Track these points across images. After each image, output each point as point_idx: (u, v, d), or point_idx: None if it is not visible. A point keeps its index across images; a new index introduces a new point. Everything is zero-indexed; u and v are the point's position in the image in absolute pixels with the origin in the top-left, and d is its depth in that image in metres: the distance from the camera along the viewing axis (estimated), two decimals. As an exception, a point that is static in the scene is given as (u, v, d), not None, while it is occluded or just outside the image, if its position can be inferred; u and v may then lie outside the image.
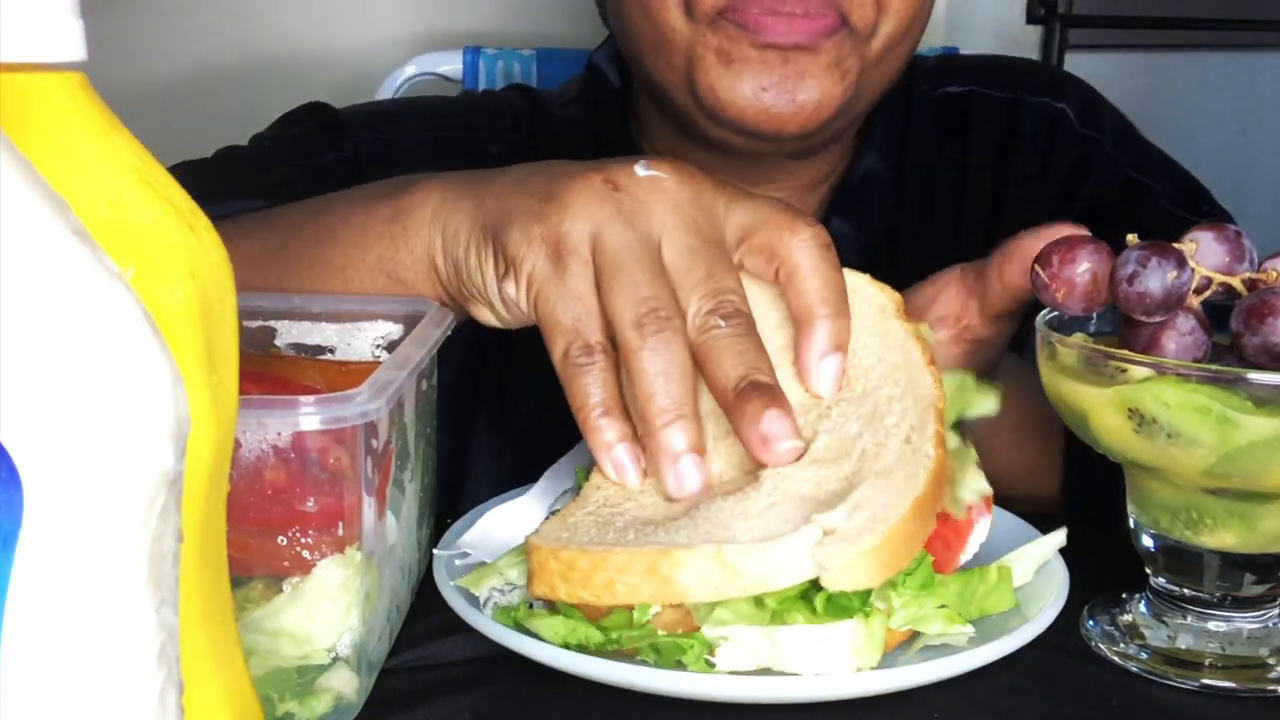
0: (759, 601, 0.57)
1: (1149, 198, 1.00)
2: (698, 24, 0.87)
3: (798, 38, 0.85)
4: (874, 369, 0.66)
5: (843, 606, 0.57)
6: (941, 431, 0.62)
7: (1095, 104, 1.06)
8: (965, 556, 0.63)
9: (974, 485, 0.63)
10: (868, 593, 0.58)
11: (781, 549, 0.56)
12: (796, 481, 0.60)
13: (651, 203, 0.66)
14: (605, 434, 0.63)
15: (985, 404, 0.66)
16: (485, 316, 0.72)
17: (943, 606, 0.60)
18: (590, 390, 0.63)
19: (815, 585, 0.57)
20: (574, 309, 0.64)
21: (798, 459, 0.61)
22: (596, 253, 0.65)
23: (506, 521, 0.71)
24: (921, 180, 1.03)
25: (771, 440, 0.61)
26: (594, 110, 1.03)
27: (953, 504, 0.62)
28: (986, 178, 1.02)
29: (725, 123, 0.89)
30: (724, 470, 0.64)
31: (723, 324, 0.63)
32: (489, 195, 0.70)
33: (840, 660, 0.57)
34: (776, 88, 0.85)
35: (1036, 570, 0.66)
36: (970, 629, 0.61)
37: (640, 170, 0.67)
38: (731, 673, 0.59)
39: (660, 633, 0.60)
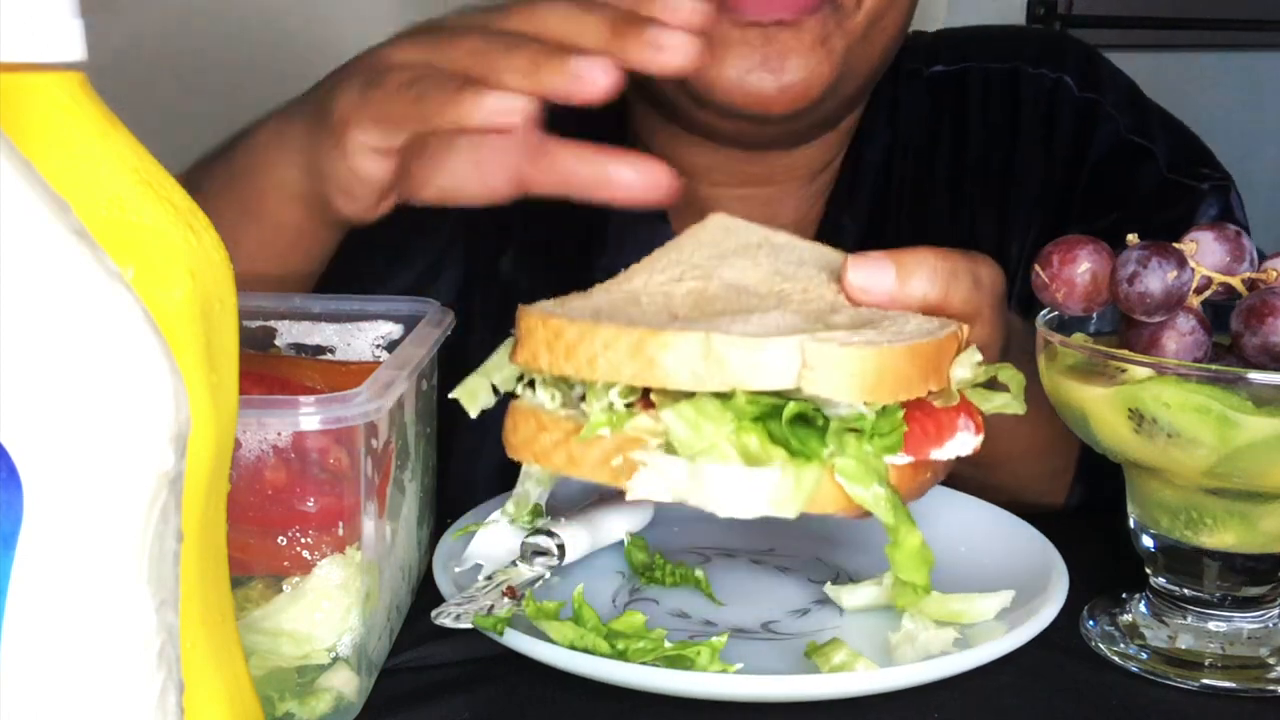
0: (726, 404, 0.55)
1: (1148, 161, 0.98)
2: None
3: (778, 13, 0.83)
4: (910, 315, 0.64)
5: (800, 436, 0.55)
6: (961, 337, 0.61)
7: (1095, 65, 1.03)
8: (939, 454, 0.60)
9: (969, 362, 0.61)
10: (823, 435, 0.55)
11: (771, 346, 0.55)
12: (806, 319, 0.59)
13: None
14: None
15: (999, 400, 0.63)
16: (345, 204, 0.75)
17: (879, 488, 0.56)
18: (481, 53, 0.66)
19: (789, 402, 0.55)
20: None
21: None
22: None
23: (509, 534, 0.71)
24: (917, 164, 1.01)
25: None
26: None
27: (946, 395, 0.60)
28: (986, 153, 1.00)
29: (711, 106, 0.88)
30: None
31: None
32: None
33: (757, 506, 0.55)
34: (760, 69, 0.84)
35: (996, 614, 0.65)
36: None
37: None
38: (726, 671, 0.59)
39: (667, 645, 0.60)
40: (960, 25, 1.20)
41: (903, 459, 0.58)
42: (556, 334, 0.57)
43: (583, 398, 0.59)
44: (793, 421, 0.55)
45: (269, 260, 0.80)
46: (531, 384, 0.61)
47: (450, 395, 0.64)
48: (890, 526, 0.57)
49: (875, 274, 0.63)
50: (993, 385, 0.63)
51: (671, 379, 0.55)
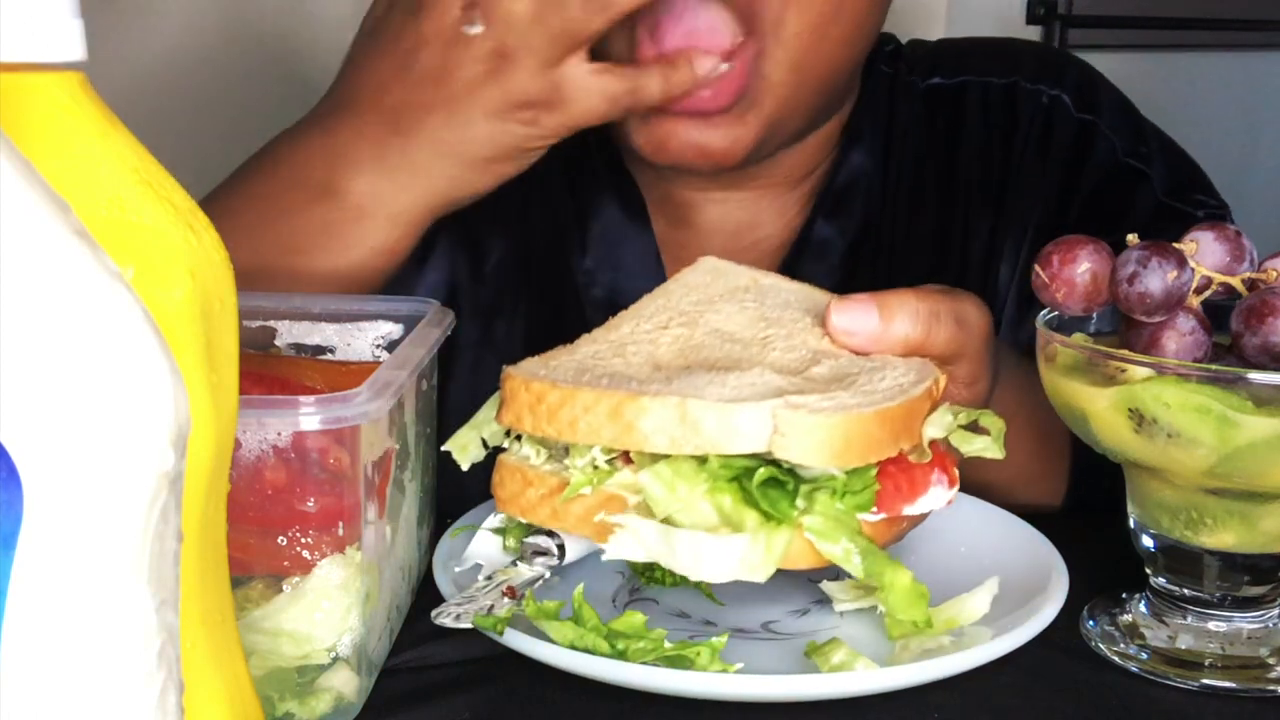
0: (701, 466, 0.57)
1: (1143, 184, 0.98)
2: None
3: (690, 109, 0.85)
4: (891, 360, 0.65)
5: (771, 499, 0.57)
6: (934, 392, 0.62)
7: (1093, 85, 1.03)
8: (911, 510, 0.61)
9: (942, 422, 0.62)
10: (793, 498, 0.57)
11: (744, 412, 0.56)
12: (784, 376, 0.60)
13: None
14: None
15: (979, 444, 0.64)
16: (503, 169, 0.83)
17: (854, 545, 0.58)
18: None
19: (762, 466, 0.57)
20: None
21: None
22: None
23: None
24: (910, 176, 1.00)
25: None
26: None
27: (919, 452, 0.61)
28: (980, 169, 1.00)
29: (642, 161, 0.90)
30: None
31: None
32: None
33: (728, 570, 0.57)
34: (681, 135, 0.86)
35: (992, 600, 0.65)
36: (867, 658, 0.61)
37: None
38: (725, 671, 0.59)
39: (667, 645, 0.60)
40: (959, 23, 1.20)
41: (875, 516, 0.59)
42: (539, 397, 0.60)
43: (567, 452, 0.61)
44: (764, 484, 0.57)
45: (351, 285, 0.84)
46: (519, 437, 0.63)
47: (443, 448, 0.67)
48: (872, 575, 0.58)
49: (858, 317, 0.65)
50: (974, 429, 0.64)
51: (648, 442, 0.57)
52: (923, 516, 0.64)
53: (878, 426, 0.58)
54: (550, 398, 0.59)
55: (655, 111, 0.85)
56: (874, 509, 0.59)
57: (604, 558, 0.59)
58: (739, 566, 0.57)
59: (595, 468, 0.60)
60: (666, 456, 0.58)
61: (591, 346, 0.65)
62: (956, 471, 0.63)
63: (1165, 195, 0.97)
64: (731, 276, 0.73)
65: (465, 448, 0.66)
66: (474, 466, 0.67)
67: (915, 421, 0.61)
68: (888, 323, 0.64)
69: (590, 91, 0.79)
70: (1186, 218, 0.95)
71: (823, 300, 0.68)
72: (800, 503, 0.57)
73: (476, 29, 0.78)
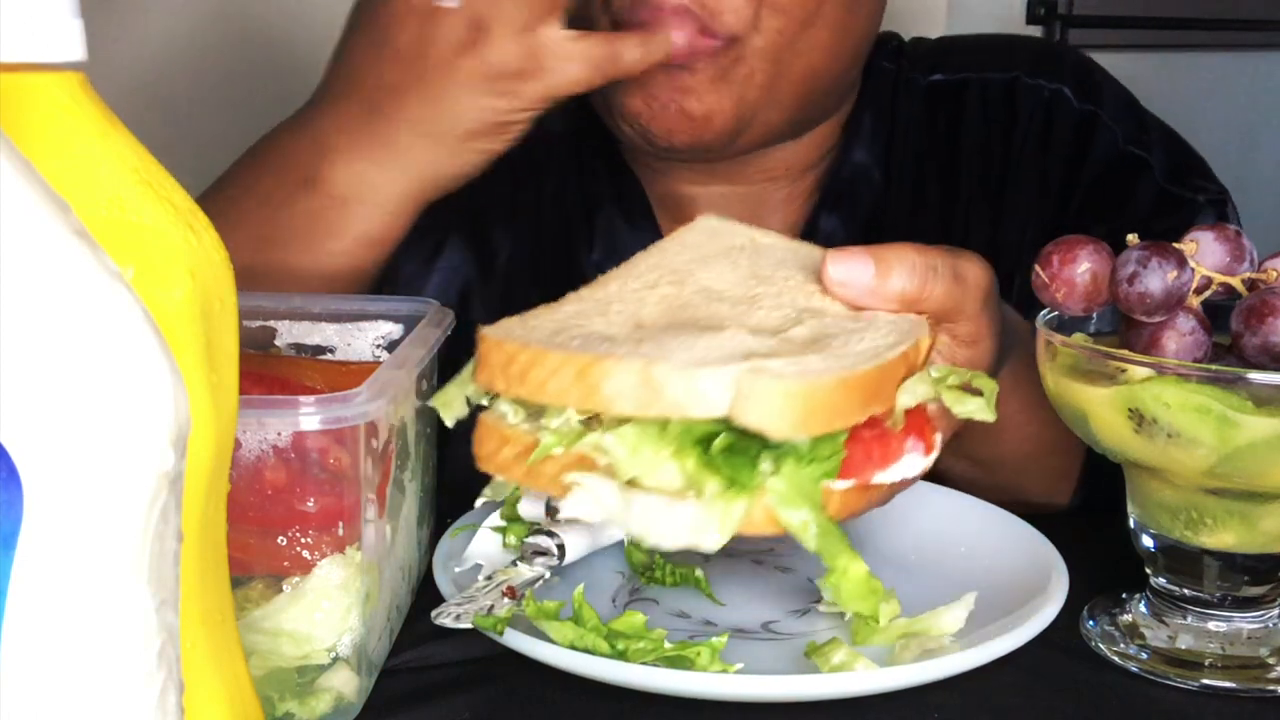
0: (665, 429, 0.56)
1: (1144, 171, 0.98)
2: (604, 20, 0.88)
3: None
4: (878, 319, 0.64)
5: (733, 464, 0.56)
6: (912, 356, 0.61)
7: (1092, 76, 1.03)
8: (883, 477, 0.60)
9: (917, 390, 0.60)
10: (755, 464, 0.56)
11: (707, 376, 0.55)
12: (757, 337, 0.59)
13: None
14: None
15: (971, 405, 0.63)
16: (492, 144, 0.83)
17: (813, 518, 0.56)
18: None
19: (724, 432, 0.56)
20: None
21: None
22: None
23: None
24: (912, 172, 1.00)
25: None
26: (576, 118, 1.03)
27: (893, 419, 0.60)
28: (981, 164, 1.00)
29: (629, 134, 0.90)
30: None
31: None
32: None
33: (680, 536, 0.56)
34: (661, 99, 0.87)
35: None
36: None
37: None
38: (727, 671, 0.59)
39: (667, 645, 0.60)
40: (959, 23, 1.20)
41: (843, 484, 0.58)
42: (510, 358, 0.58)
43: (544, 411, 0.60)
44: (725, 450, 0.56)
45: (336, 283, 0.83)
46: (496, 395, 0.62)
47: (429, 403, 0.65)
48: (824, 555, 0.57)
49: (854, 268, 0.63)
50: (968, 390, 0.63)
51: (613, 406, 0.56)
52: (901, 484, 0.62)
53: (843, 394, 0.56)
54: (521, 359, 0.58)
55: (636, 84, 0.86)
56: (841, 476, 0.58)
57: (560, 516, 0.58)
58: (690, 532, 0.55)
59: (569, 428, 0.59)
60: (632, 419, 0.57)
61: (575, 305, 0.63)
62: (937, 439, 0.62)
63: (1165, 181, 0.97)
64: (729, 235, 0.71)
65: (450, 404, 0.64)
66: (475, 472, 0.67)
67: (888, 387, 0.59)
68: (884, 276, 0.63)
69: (568, 58, 0.79)
70: (1187, 203, 0.96)
71: (819, 258, 0.66)
72: (766, 466, 0.56)
73: (451, 2, 0.78)
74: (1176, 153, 1.01)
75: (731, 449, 0.56)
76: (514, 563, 0.67)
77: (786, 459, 0.56)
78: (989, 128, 1.00)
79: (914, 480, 0.62)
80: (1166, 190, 0.97)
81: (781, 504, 0.56)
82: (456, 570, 0.67)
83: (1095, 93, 1.01)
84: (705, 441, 0.56)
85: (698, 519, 0.55)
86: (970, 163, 1.00)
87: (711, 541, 0.55)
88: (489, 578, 0.65)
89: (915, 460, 0.61)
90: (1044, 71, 1.01)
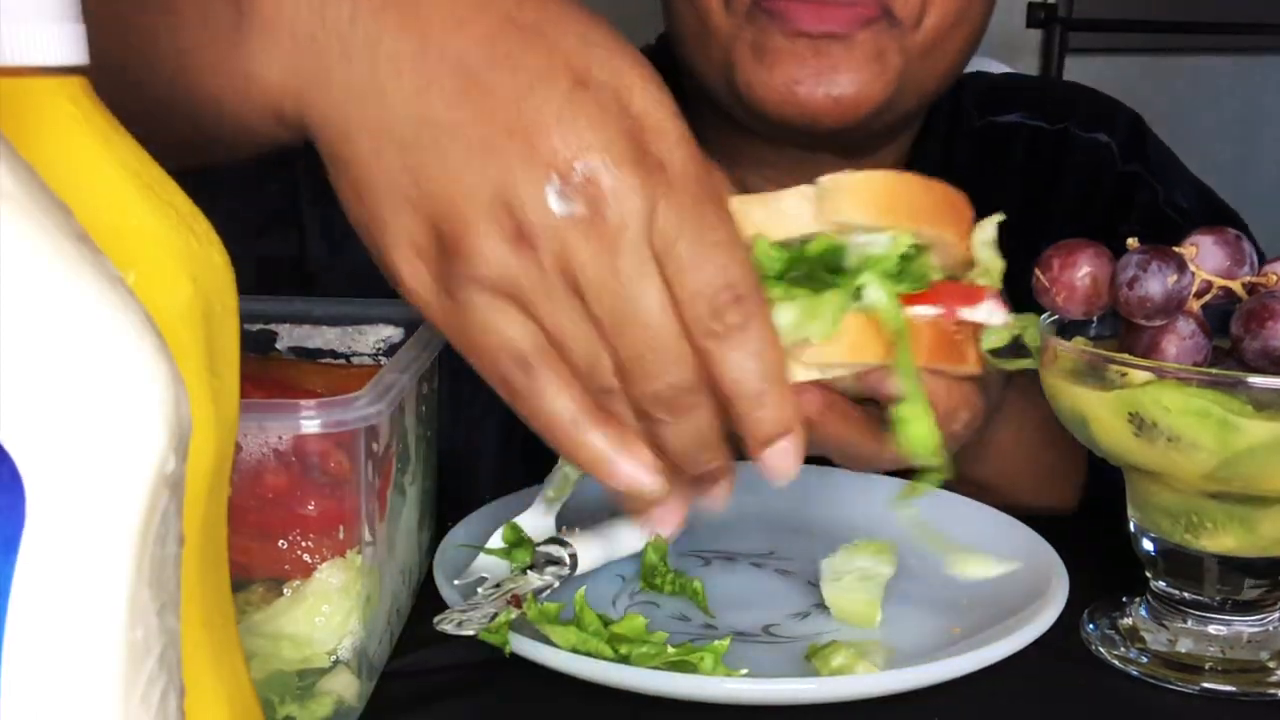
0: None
1: (1176, 235, 1.00)
2: (735, 16, 0.84)
3: (829, 26, 0.81)
4: None
5: (825, 272, 0.56)
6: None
7: (1141, 135, 1.04)
8: (970, 315, 0.60)
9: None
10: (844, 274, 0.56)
11: (789, 196, 0.56)
12: None
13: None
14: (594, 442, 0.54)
15: (1026, 361, 0.64)
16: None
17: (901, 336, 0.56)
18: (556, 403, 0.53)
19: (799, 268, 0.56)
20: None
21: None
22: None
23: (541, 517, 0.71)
24: None
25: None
26: None
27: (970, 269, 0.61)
28: (1023, 211, 1.00)
29: (761, 117, 0.86)
30: None
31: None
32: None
33: (785, 334, 0.55)
34: (810, 80, 0.81)
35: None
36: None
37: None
38: (731, 676, 0.59)
39: (670, 650, 0.60)
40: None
41: (929, 309, 0.58)
42: None
43: None
44: (817, 258, 0.56)
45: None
46: None
47: (456, 582, 0.64)
48: (904, 381, 0.57)
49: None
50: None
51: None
52: (975, 352, 0.61)
53: (923, 190, 0.58)
54: None
55: (769, 49, 0.82)
56: (928, 300, 0.58)
57: None
58: (794, 329, 0.55)
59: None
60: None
61: None
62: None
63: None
64: None
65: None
66: (476, 471, 0.67)
67: (963, 213, 0.60)
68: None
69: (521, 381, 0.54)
70: None
71: None
72: (854, 274, 0.56)
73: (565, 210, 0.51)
74: (1214, 215, 1.01)
75: (821, 259, 0.56)
76: (524, 570, 0.67)
77: (872, 266, 0.57)
78: (1034, 172, 1.01)
79: (997, 340, 0.62)
80: None
81: (877, 308, 0.56)
82: (457, 583, 0.67)
83: (1141, 152, 1.02)
84: (790, 268, 0.56)
85: (799, 315, 0.55)
86: (1012, 207, 1.00)
87: (819, 331, 0.55)
88: (496, 585, 0.65)
89: (995, 310, 0.61)
90: (1097, 125, 1.02)
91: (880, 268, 0.57)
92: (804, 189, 0.56)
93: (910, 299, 0.58)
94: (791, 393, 0.54)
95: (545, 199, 0.50)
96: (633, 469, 0.54)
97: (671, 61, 0.99)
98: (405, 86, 0.51)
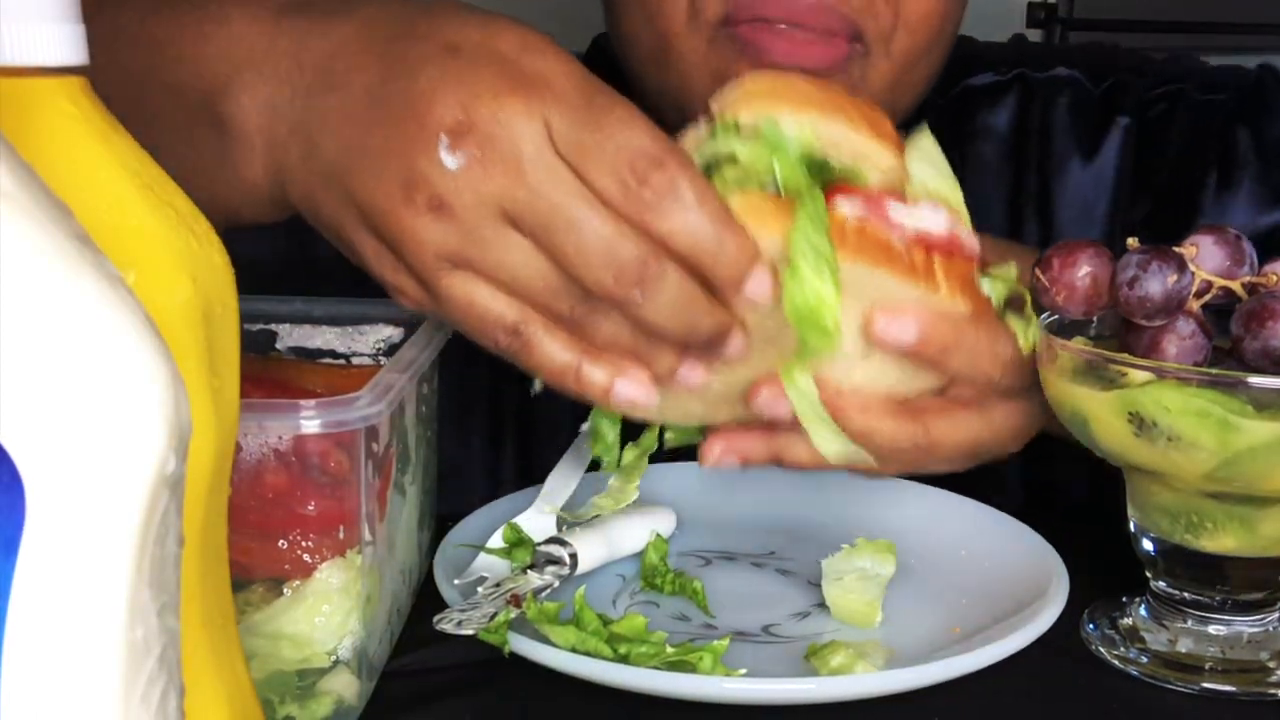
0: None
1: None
2: (697, 40, 0.78)
3: (801, 61, 0.74)
4: None
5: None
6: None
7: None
8: (901, 217, 0.59)
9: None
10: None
11: (689, 133, 0.60)
12: None
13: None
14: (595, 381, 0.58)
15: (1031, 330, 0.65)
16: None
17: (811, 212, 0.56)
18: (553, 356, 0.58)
19: None
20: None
21: None
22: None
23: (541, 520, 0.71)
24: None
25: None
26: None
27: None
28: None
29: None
30: None
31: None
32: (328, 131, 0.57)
33: None
34: None
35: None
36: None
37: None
38: (731, 676, 0.59)
39: (669, 649, 0.60)
40: (960, 25, 1.19)
41: (854, 202, 0.58)
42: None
43: None
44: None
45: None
46: None
47: (456, 581, 0.64)
48: (793, 249, 0.56)
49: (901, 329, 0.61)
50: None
51: None
52: (953, 286, 0.60)
53: (819, 88, 0.61)
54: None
55: (733, 79, 0.79)
56: (855, 191, 0.58)
57: None
58: None
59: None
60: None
61: None
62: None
63: None
64: None
65: None
66: (477, 472, 0.67)
67: (883, 128, 0.61)
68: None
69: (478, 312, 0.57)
70: None
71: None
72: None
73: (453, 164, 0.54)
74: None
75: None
76: (524, 570, 0.67)
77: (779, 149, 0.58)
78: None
79: (996, 291, 0.63)
80: None
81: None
82: (458, 582, 0.67)
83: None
84: None
85: None
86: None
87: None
88: (496, 585, 0.65)
89: (938, 219, 0.60)
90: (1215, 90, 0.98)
91: (787, 149, 0.57)
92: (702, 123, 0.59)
93: (834, 190, 0.58)
94: (744, 229, 0.56)
95: (440, 160, 0.53)
96: (630, 389, 0.59)
97: (609, 65, 0.93)
98: (331, 129, 0.57)
